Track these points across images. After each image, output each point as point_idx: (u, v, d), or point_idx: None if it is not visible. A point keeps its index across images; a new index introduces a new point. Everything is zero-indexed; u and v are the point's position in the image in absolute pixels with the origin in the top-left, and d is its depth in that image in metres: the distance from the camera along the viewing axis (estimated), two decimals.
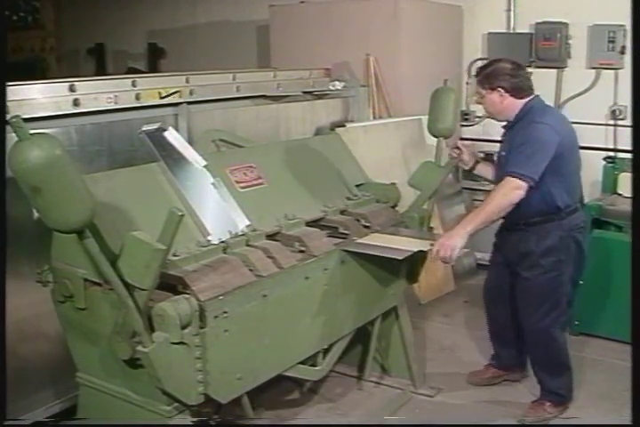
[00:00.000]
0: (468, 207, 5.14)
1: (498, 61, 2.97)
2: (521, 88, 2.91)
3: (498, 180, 2.95)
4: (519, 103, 2.92)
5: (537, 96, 2.98)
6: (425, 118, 3.42)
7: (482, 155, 3.98)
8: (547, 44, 4.80)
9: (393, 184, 3.31)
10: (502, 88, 2.89)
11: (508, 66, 2.91)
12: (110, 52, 7.78)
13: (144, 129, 2.66)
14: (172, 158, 2.63)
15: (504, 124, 3.07)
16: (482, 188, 4.86)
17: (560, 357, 3.13)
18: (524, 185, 2.73)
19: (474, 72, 4.83)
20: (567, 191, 2.94)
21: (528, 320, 3.11)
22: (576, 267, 3.06)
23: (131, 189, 2.45)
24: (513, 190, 2.74)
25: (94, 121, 2.98)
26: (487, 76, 2.92)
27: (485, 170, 3.26)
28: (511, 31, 5.05)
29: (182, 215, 2.00)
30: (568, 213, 2.95)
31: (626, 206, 3.69)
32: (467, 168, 3.25)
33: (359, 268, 2.91)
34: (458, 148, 3.19)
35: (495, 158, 3.17)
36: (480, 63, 5.08)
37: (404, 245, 2.86)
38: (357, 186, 3.28)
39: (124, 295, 2.09)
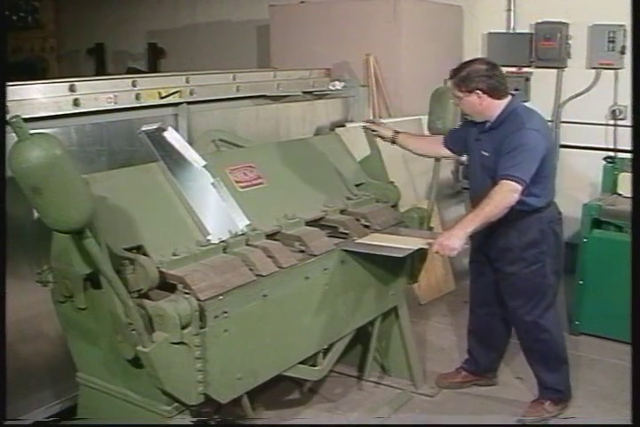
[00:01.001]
0: (468, 207, 5.14)
1: (472, 62, 2.95)
2: (498, 88, 2.90)
3: (481, 180, 2.95)
4: (498, 104, 2.91)
5: (514, 97, 2.98)
6: (425, 118, 3.42)
7: None
8: (547, 44, 4.80)
9: (392, 184, 3.31)
10: (480, 90, 2.87)
11: (482, 67, 2.89)
12: (110, 52, 7.79)
13: (144, 129, 2.65)
14: (172, 158, 2.63)
15: (479, 122, 3.05)
16: None
17: (555, 349, 3.14)
18: (519, 188, 2.75)
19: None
20: (546, 192, 2.98)
21: (517, 313, 3.11)
22: (556, 258, 3.07)
23: (131, 189, 2.45)
24: (510, 193, 2.75)
25: (94, 121, 2.98)
26: (463, 79, 2.89)
27: (407, 141, 3.31)
28: (511, 31, 5.06)
29: None
30: (545, 207, 2.99)
31: (626, 206, 3.68)
32: (389, 141, 3.32)
33: (359, 268, 2.92)
34: (373, 122, 3.34)
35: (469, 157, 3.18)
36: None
37: (404, 243, 2.87)
38: (357, 186, 3.28)
39: (124, 295, 2.09)
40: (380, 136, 3.33)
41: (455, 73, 2.93)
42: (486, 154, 2.97)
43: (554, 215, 3.05)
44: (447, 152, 3.26)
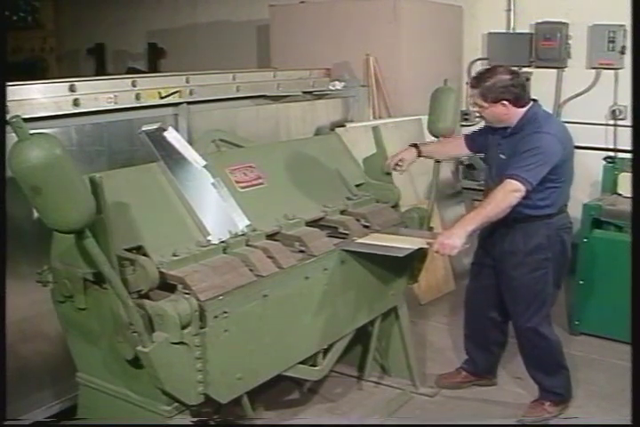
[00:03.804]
0: (468, 207, 5.14)
1: (495, 72, 2.90)
2: (522, 97, 2.90)
3: (496, 182, 2.95)
4: (521, 111, 2.91)
5: (536, 102, 2.97)
6: (425, 118, 3.42)
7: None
8: (547, 44, 4.80)
9: (393, 184, 3.31)
10: (507, 100, 2.86)
11: (507, 77, 2.86)
12: (110, 52, 7.79)
13: (144, 129, 2.65)
14: (172, 158, 2.63)
15: (499, 128, 3.06)
16: (482, 188, 4.88)
17: (552, 355, 3.13)
18: (523, 188, 2.75)
19: (473, 73, 4.85)
20: (559, 198, 2.97)
21: (518, 320, 3.12)
22: (560, 267, 3.05)
23: (131, 189, 2.45)
24: (512, 193, 2.75)
25: (94, 121, 2.98)
26: (489, 90, 2.86)
27: (431, 150, 3.29)
28: (511, 31, 5.06)
29: None
30: (556, 214, 2.98)
31: (626, 206, 3.69)
32: (416, 157, 3.28)
33: (359, 268, 2.91)
34: (397, 164, 3.25)
35: (489, 161, 3.17)
36: (479, 64, 5.09)
37: (404, 243, 2.86)
38: (357, 186, 3.28)
39: (123, 295, 2.09)
40: (406, 159, 3.26)
41: (479, 82, 2.89)
42: (504, 157, 2.97)
43: (564, 223, 3.02)
44: (468, 152, 3.35)
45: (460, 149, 3.32)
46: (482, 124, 4.64)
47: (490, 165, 3.12)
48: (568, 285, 4.00)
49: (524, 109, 2.92)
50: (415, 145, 3.29)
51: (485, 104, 2.89)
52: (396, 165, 3.26)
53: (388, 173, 3.32)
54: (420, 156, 3.29)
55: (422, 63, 4.79)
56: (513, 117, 2.92)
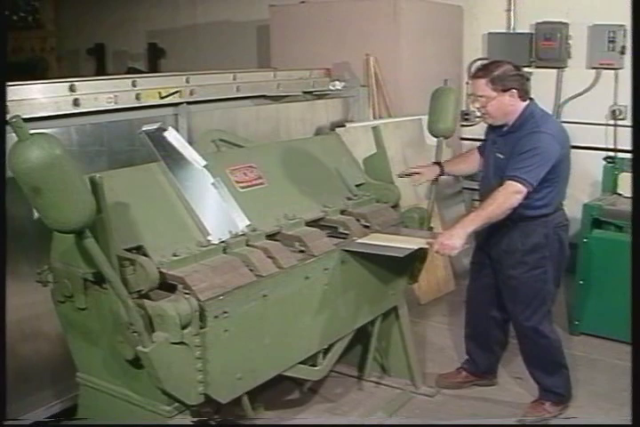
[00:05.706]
0: (468, 207, 5.14)
1: (502, 63, 2.93)
2: (526, 90, 2.92)
3: (493, 182, 2.95)
4: (521, 106, 2.92)
5: (532, 101, 2.98)
6: (425, 118, 3.42)
7: None
8: (547, 44, 4.81)
9: (393, 184, 3.31)
10: (515, 89, 2.88)
11: (512, 67, 2.90)
12: (110, 52, 7.79)
13: (144, 129, 2.65)
14: (172, 158, 2.63)
15: (492, 126, 3.06)
16: None
17: (553, 354, 3.14)
18: (524, 190, 2.76)
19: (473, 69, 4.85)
20: (556, 197, 2.97)
21: (517, 318, 3.12)
22: (558, 266, 3.06)
23: (131, 189, 2.45)
24: (514, 194, 2.76)
25: (94, 121, 2.99)
26: (500, 78, 2.87)
27: (453, 170, 3.31)
28: (511, 31, 5.06)
29: None
30: (553, 212, 2.99)
31: (626, 206, 3.69)
32: (437, 176, 3.27)
33: (359, 268, 2.91)
34: (415, 173, 3.23)
35: (486, 158, 3.17)
36: (479, 63, 5.08)
37: (404, 243, 2.86)
38: (357, 186, 3.28)
39: (123, 295, 2.09)
40: (426, 175, 3.25)
41: (485, 73, 2.90)
42: (501, 156, 2.97)
43: (560, 221, 3.03)
44: None
45: (477, 163, 3.28)
46: (482, 125, 4.64)
47: (487, 164, 3.12)
48: (568, 285, 4.01)
49: (524, 105, 2.92)
50: (439, 163, 3.26)
51: (494, 93, 2.88)
52: (412, 174, 3.25)
53: (402, 177, 3.30)
54: (441, 175, 3.27)
55: (422, 63, 4.79)
56: (515, 111, 2.92)
